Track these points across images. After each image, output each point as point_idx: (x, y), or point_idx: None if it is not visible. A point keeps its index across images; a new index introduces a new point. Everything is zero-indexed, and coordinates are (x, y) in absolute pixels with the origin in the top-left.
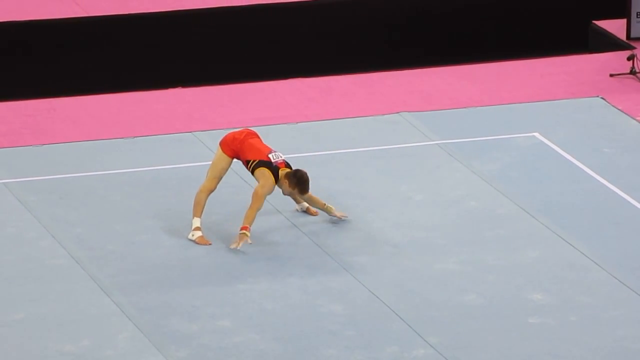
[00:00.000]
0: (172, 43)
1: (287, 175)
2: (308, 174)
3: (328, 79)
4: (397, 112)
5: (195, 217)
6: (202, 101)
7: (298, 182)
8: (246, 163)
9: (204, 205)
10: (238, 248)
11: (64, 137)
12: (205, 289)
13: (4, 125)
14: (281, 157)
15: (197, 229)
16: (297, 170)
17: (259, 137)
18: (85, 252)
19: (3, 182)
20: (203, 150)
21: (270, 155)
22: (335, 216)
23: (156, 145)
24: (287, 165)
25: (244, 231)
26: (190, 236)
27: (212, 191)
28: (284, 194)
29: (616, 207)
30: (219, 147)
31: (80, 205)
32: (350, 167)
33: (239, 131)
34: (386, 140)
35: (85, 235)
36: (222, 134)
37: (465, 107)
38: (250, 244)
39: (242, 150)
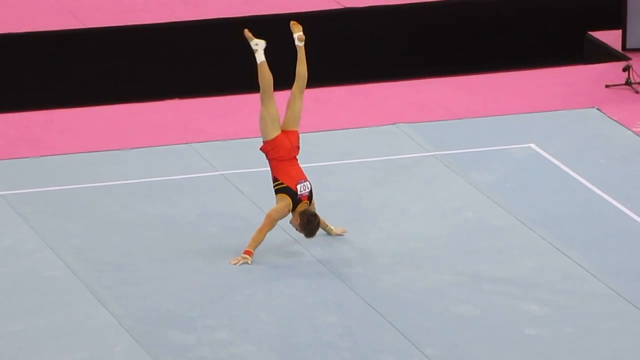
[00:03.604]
0: (169, 54)
1: (301, 215)
2: (319, 223)
3: (324, 90)
4: (393, 123)
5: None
6: (199, 112)
7: (306, 228)
8: (273, 179)
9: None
10: (237, 265)
11: (60, 148)
12: (202, 301)
13: (0, 137)
14: (308, 188)
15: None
16: (312, 220)
17: (297, 159)
18: (82, 263)
19: (0, 194)
20: (199, 161)
21: (298, 187)
22: (336, 234)
23: (152, 157)
24: (309, 197)
25: (246, 255)
26: (254, 43)
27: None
28: (290, 223)
29: (612, 218)
30: (282, 130)
31: (77, 217)
32: (346, 178)
33: (293, 145)
34: (382, 152)
35: (82, 247)
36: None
37: (461, 118)
38: (250, 264)
39: (277, 166)
